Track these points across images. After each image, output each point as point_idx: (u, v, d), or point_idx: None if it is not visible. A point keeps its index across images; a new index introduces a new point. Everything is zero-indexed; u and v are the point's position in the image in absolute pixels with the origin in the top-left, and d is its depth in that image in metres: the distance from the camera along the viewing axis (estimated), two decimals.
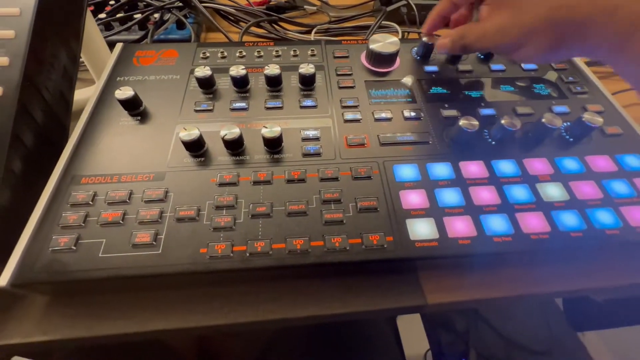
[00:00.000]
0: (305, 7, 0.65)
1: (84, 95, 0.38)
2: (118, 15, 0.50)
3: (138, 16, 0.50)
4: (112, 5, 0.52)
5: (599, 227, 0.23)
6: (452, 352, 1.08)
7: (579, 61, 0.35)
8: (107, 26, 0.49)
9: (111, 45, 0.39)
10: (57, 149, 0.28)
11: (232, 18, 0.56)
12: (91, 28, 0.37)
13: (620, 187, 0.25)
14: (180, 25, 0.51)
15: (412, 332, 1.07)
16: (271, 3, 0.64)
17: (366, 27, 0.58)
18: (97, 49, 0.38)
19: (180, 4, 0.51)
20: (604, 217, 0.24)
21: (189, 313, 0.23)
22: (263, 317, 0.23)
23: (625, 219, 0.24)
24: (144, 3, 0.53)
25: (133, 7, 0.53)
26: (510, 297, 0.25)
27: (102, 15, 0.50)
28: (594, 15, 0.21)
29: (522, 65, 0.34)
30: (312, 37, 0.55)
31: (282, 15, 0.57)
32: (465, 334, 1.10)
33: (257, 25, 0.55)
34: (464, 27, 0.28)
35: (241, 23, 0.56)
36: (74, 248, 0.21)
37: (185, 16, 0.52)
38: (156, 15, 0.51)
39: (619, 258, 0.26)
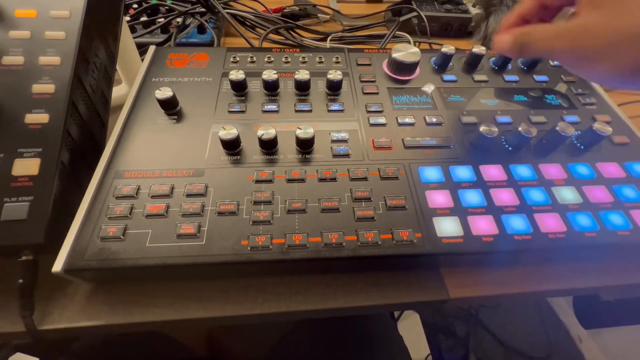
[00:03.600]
0: (319, 15, 0.67)
1: (114, 93, 0.39)
2: (142, 19, 0.52)
3: (161, 20, 0.52)
4: (135, 9, 0.54)
5: (611, 228, 0.25)
6: (452, 357, 1.09)
7: None
8: (130, 29, 0.51)
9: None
10: (98, 143, 0.29)
11: (249, 24, 0.58)
12: (124, 29, 0.38)
13: (629, 192, 0.27)
14: (200, 29, 0.53)
15: (413, 337, 1.08)
16: (285, 10, 0.66)
17: (378, 37, 0.61)
18: (127, 50, 0.39)
19: (203, 9, 0.53)
20: (615, 219, 0.25)
21: (226, 303, 0.25)
22: (295, 308, 0.25)
23: (635, 221, 0.25)
24: (166, 7, 0.55)
25: (155, 12, 0.55)
26: (527, 293, 0.26)
27: (127, 19, 0.51)
28: None
29: (534, 77, 0.36)
30: (327, 44, 0.57)
31: (298, 23, 0.59)
32: (465, 339, 1.12)
33: (275, 32, 0.57)
34: (532, 25, 0.23)
35: (257, 29, 0.58)
36: (122, 237, 0.22)
37: (206, 21, 0.53)
38: (178, 20, 0.53)
39: (630, 258, 0.27)
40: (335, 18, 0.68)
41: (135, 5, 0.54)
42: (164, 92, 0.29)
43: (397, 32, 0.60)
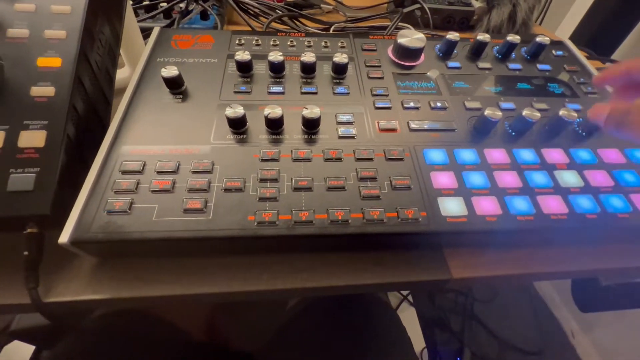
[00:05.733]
0: (321, 5, 0.67)
1: (118, 76, 0.39)
2: (144, 3, 0.51)
3: (164, 5, 0.51)
4: None
5: (611, 210, 0.25)
6: (447, 350, 1.10)
7: (589, 65, 0.37)
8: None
9: None
10: (103, 121, 0.29)
11: (252, 12, 0.58)
12: (128, 12, 0.38)
13: (629, 177, 0.27)
14: (203, 15, 0.52)
15: (409, 331, 1.09)
16: (289, 0, 0.66)
17: (381, 28, 0.61)
18: (130, 33, 0.39)
19: None
20: (616, 202, 0.26)
21: (231, 279, 0.25)
22: (300, 285, 0.25)
23: (635, 204, 0.26)
24: None
25: None
26: (528, 275, 0.27)
27: (130, 2, 0.51)
28: None
29: (538, 65, 0.36)
30: (331, 33, 0.57)
31: (302, 12, 0.59)
32: (460, 333, 1.13)
33: (279, 20, 0.57)
34: (637, 105, 0.22)
35: (260, 17, 0.58)
36: (129, 211, 0.22)
37: (209, 7, 0.53)
38: (181, 5, 0.53)
39: (629, 242, 0.28)
40: (338, 9, 0.68)
41: None
42: (170, 71, 0.29)
43: (399, 24, 0.60)
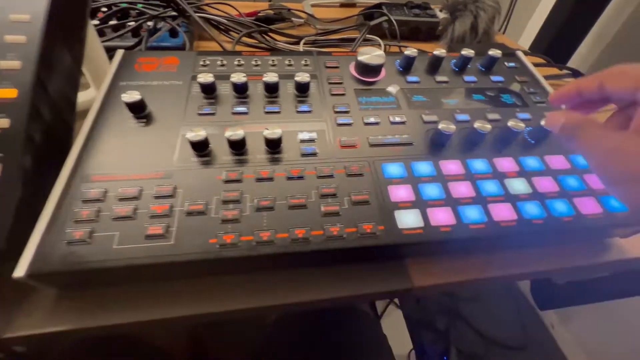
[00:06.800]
0: (292, 19, 0.69)
1: (82, 98, 0.38)
2: (111, 23, 0.51)
3: (132, 24, 0.51)
4: (104, 12, 0.53)
5: (556, 215, 0.27)
6: (434, 350, 1.12)
7: (538, 74, 0.40)
8: (99, 33, 0.50)
9: (105, 51, 0.41)
10: (64, 148, 0.29)
11: (223, 27, 0.59)
12: (91, 33, 0.38)
13: (572, 182, 0.29)
14: (173, 33, 0.53)
15: (396, 333, 1.10)
16: (260, 14, 0.67)
17: (351, 40, 0.62)
18: (94, 54, 0.39)
19: (174, 13, 0.53)
20: (560, 207, 0.28)
21: (196, 301, 0.25)
22: (263, 304, 0.25)
23: (577, 208, 0.28)
24: (137, 11, 0.54)
25: (125, 15, 0.54)
26: (485, 279, 0.28)
27: (95, 22, 0.51)
28: None
29: (491, 77, 0.39)
30: (300, 47, 0.58)
31: (271, 27, 0.60)
32: (446, 332, 1.15)
33: (249, 35, 0.57)
34: (589, 120, 0.23)
35: (231, 33, 0.58)
36: (88, 240, 0.22)
37: (178, 25, 0.53)
38: (149, 23, 0.53)
39: (574, 243, 0.30)
40: (309, 22, 0.69)
41: (104, 9, 0.54)
42: (132, 95, 0.29)
43: (368, 36, 0.62)
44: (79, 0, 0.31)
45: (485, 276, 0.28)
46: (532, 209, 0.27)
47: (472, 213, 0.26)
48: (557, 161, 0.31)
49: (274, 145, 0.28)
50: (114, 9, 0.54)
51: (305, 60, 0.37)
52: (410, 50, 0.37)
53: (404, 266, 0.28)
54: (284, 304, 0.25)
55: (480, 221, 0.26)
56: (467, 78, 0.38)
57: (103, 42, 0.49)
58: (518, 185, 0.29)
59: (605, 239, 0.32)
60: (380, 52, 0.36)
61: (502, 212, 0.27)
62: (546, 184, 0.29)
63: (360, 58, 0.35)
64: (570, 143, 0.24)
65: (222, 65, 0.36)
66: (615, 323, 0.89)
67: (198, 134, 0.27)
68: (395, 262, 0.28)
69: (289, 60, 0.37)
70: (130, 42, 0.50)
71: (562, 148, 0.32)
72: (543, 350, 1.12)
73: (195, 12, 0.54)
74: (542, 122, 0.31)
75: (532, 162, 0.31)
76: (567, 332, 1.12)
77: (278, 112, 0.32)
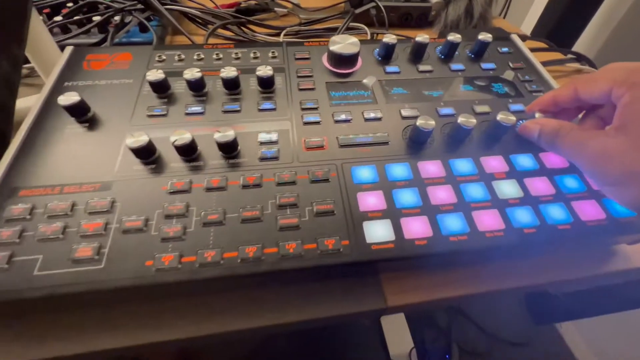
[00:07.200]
0: (275, 9, 0.65)
1: (32, 102, 0.35)
2: (75, 18, 0.48)
3: (97, 19, 0.48)
4: (69, 7, 0.50)
5: (551, 222, 0.24)
6: (435, 348, 1.09)
7: (535, 59, 0.36)
8: (64, 29, 0.47)
9: None
10: None
11: (200, 21, 0.55)
12: (40, 32, 0.35)
13: (571, 182, 0.26)
14: (143, 28, 0.49)
15: (397, 332, 1.08)
16: (242, 5, 0.63)
17: (336, 29, 0.58)
18: (47, 53, 0.36)
19: (143, 7, 0.49)
20: (556, 212, 0.24)
21: (140, 328, 0.22)
22: (217, 330, 0.23)
23: (576, 213, 0.24)
24: (104, 5, 0.51)
25: (93, 10, 0.51)
26: (471, 295, 0.25)
27: (59, 18, 0.47)
28: None
29: (481, 64, 0.35)
30: (281, 39, 0.55)
31: (250, 18, 0.56)
32: (447, 329, 1.12)
33: (225, 27, 0.54)
34: (566, 124, 0.24)
35: (209, 26, 0.55)
36: (6, 266, 0.20)
37: (149, 18, 0.50)
38: (117, 18, 0.49)
39: (574, 251, 0.26)
40: (293, 11, 0.65)
41: (69, 4, 0.50)
42: (69, 98, 0.26)
43: (354, 24, 0.58)
44: None
45: (471, 292, 0.25)
46: (523, 215, 0.24)
47: (453, 222, 0.23)
48: (554, 158, 0.27)
49: (228, 149, 0.25)
50: (80, 2, 0.50)
51: (273, 52, 0.34)
52: (389, 37, 0.33)
53: (378, 281, 0.25)
54: (237, 330, 0.22)
55: (462, 232, 0.23)
56: (454, 66, 0.34)
57: (68, 39, 0.46)
58: (507, 188, 0.25)
59: (610, 247, 0.28)
60: (355, 39, 0.32)
61: (488, 221, 0.23)
62: (540, 186, 0.25)
63: (333, 48, 0.32)
64: (552, 149, 0.25)
65: (180, 60, 0.32)
66: (626, 322, 0.85)
67: (138, 139, 0.24)
68: (367, 278, 0.25)
69: (255, 53, 0.33)
70: (97, 38, 0.47)
71: None
72: (548, 346, 1.08)
73: (167, 4, 0.50)
74: (537, 115, 0.27)
75: (524, 160, 0.27)
76: (575, 329, 1.08)
77: (238, 111, 0.29)
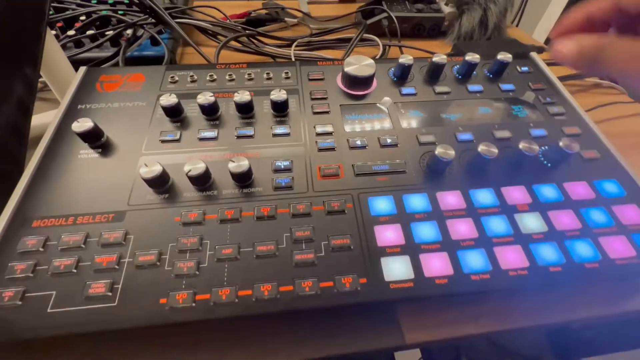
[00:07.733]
0: (286, 19, 0.64)
1: (47, 119, 0.35)
2: (88, 32, 0.48)
3: (110, 33, 0.48)
4: (82, 21, 0.50)
5: (578, 260, 0.22)
6: (443, 359, 1.08)
7: (556, 79, 0.34)
8: (77, 44, 0.47)
9: (82, 63, 0.37)
10: (10, 186, 0.26)
11: (211, 32, 0.55)
12: (54, 50, 0.35)
13: (598, 216, 0.25)
14: (155, 41, 0.49)
15: None
16: (252, 15, 0.63)
17: (348, 40, 0.58)
18: (60, 71, 0.36)
19: (154, 21, 0.49)
20: (583, 249, 0.23)
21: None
22: None
23: (604, 250, 0.23)
24: (116, 19, 0.51)
25: (105, 24, 0.51)
26: (491, 332, 0.24)
27: (72, 32, 0.48)
28: None
29: (500, 85, 0.34)
30: (292, 50, 0.54)
31: (260, 29, 0.56)
32: (456, 341, 1.10)
33: (235, 40, 0.53)
34: (608, 38, 0.19)
35: (220, 37, 0.55)
36: (20, 303, 0.19)
37: (160, 32, 0.50)
38: (129, 32, 0.49)
39: (601, 289, 0.25)
40: (304, 21, 0.65)
41: (82, 18, 0.51)
42: (83, 124, 0.26)
43: (366, 35, 0.57)
44: (29, 19, 0.28)
45: (493, 329, 0.24)
46: (547, 252, 0.23)
47: (474, 259, 0.22)
48: (579, 189, 0.26)
49: (242, 179, 0.25)
50: (93, 16, 0.50)
51: (287, 72, 0.33)
52: (405, 58, 0.32)
53: (396, 318, 0.24)
54: None
55: (484, 270, 0.22)
56: (471, 87, 0.33)
57: (81, 53, 0.46)
58: (531, 222, 0.24)
59: None
60: (370, 60, 0.32)
61: (511, 258, 0.22)
62: (565, 220, 0.24)
63: (347, 69, 0.31)
64: (596, 68, 0.20)
65: (193, 81, 0.32)
66: None
67: (152, 169, 0.23)
68: (386, 314, 0.24)
69: (268, 73, 0.33)
70: (109, 52, 0.47)
71: (585, 172, 0.27)
72: None
73: (177, 17, 0.50)
74: (561, 143, 0.26)
75: (548, 191, 0.26)
76: None
77: (251, 137, 0.28)
